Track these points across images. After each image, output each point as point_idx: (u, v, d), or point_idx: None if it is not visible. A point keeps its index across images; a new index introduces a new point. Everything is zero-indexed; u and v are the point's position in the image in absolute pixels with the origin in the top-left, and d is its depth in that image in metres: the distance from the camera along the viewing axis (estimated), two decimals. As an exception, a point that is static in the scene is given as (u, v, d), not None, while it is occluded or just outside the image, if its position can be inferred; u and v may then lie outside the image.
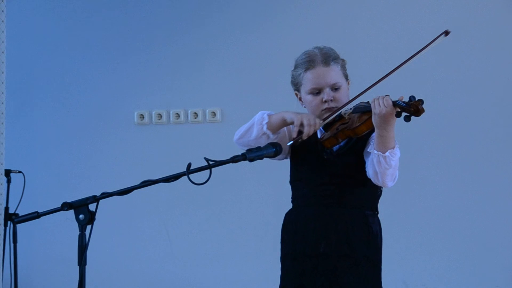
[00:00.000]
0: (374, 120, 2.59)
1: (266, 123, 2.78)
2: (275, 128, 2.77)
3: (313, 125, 2.66)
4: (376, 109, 2.56)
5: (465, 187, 4.80)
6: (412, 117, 2.53)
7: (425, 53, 2.70)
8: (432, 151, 4.85)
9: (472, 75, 4.81)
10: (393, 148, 2.62)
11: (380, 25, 4.96)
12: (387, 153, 2.60)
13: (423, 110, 2.51)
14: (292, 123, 2.72)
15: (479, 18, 4.82)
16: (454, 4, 4.86)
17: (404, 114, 2.55)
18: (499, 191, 4.76)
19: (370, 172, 2.68)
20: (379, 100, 2.57)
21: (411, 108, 2.51)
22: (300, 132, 2.68)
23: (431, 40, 2.71)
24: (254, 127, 2.80)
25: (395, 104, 2.55)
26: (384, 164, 2.61)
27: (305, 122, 2.66)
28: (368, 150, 2.68)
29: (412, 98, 2.53)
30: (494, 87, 4.79)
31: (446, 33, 2.71)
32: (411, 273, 4.83)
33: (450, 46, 4.82)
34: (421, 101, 2.51)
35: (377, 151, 2.62)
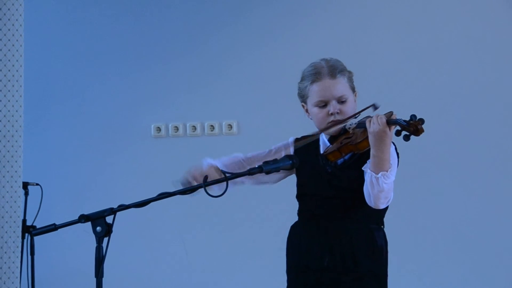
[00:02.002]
0: (370, 139, 2.57)
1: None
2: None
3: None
4: (370, 128, 2.56)
5: (474, 199, 4.78)
6: (412, 137, 2.51)
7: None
8: (441, 163, 4.85)
9: (480, 82, 4.81)
10: (387, 170, 2.58)
11: (390, 37, 4.97)
12: (379, 175, 2.58)
13: (422, 130, 2.49)
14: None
15: (490, 30, 4.82)
16: (462, 17, 4.87)
17: (403, 133, 2.53)
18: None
19: (364, 192, 2.66)
20: (374, 118, 2.56)
21: (411, 127, 2.50)
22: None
23: (360, 110, 2.73)
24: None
25: (395, 122, 2.53)
26: (377, 186, 2.58)
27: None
28: (363, 168, 2.67)
29: (413, 117, 2.52)
30: (504, 93, 4.79)
31: (375, 107, 2.68)
32: (419, 286, 4.80)
33: (461, 54, 4.83)
34: (421, 121, 2.50)
35: (370, 171, 2.60)
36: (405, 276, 4.72)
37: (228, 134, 5.27)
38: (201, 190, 2.42)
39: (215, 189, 2.53)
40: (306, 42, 5.11)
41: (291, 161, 2.53)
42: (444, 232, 4.81)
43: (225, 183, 2.41)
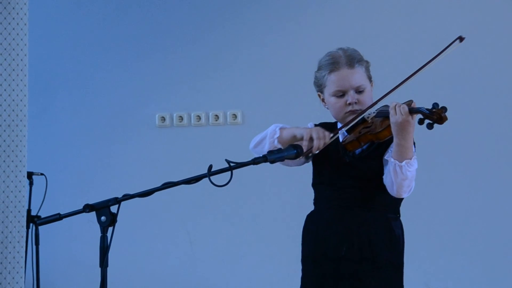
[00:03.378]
0: (392, 128, 2.57)
1: (277, 137, 2.80)
2: (285, 143, 2.74)
3: (322, 138, 2.66)
4: (392, 118, 2.56)
5: (486, 189, 4.76)
6: (435, 125, 2.51)
7: (441, 58, 2.67)
8: (453, 153, 4.82)
9: (491, 77, 4.78)
10: (410, 158, 2.59)
11: (402, 25, 4.94)
12: (403, 163, 2.58)
13: (446, 118, 2.49)
14: (301, 138, 2.70)
15: (500, 19, 4.79)
16: (473, 7, 4.83)
17: (427, 121, 2.53)
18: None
19: (387, 181, 2.66)
20: (396, 108, 2.55)
21: (434, 115, 2.49)
22: (310, 146, 2.66)
23: (445, 46, 2.69)
24: (267, 140, 2.83)
25: (417, 111, 2.52)
26: (400, 175, 2.59)
27: (314, 136, 2.66)
28: (386, 157, 2.67)
29: (435, 105, 2.51)
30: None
31: (461, 39, 2.69)
32: (434, 276, 4.80)
33: (470, 48, 4.80)
34: (444, 109, 2.49)
35: (394, 159, 2.60)
36: (420, 265, 4.72)
37: (232, 124, 5.26)
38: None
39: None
40: (311, 32, 5.09)
41: (295, 151, 2.52)
42: (460, 222, 4.79)
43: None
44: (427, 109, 2.51)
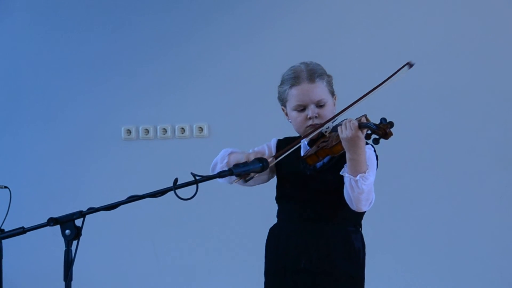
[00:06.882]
0: (343, 143, 2.58)
1: (226, 162, 2.81)
2: None
3: None
4: (342, 134, 2.57)
5: (451, 201, 4.82)
6: (381, 140, 2.53)
7: (388, 84, 2.70)
8: (419, 165, 4.87)
9: (460, 86, 4.84)
10: (365, 172, 2.60)
11: (368, 39, 4.99)
12: (358, 177, 2.59)
13: (391, 134, 2.51)
14: None
15: (467, 33, 4.86)
16: (439, 20, 4.90)
17: (373, 136, 2.56)
18: (486, 205, 4.78)
19: (346, 196, 2.67)
20: (346, 124, 2.57)
21: (379, 131, 2.52)
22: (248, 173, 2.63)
23: (394, 71, 2.71)
24: (218, 165, 2.84)
25: (366, 126, 2.55)
26: (356, 189, 2.60)
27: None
28: (341, 173, 2.68)
29: (383, 120, 2.54)
30: (483, 96, 4.83)
31: (410, 65, 2.71)
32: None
33: (440, 56, 4.86)
34: (390, 124, 2.52)
35: (348, 174, 2.62)
36: (382, 279, 4.74)
37: (198, 137, 5.26)
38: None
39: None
40: (278, 46, 5.12)
41: (261, 164, 2.52)
42: (425, 235, 4.83)
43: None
44: (374, 124, 2.54)
